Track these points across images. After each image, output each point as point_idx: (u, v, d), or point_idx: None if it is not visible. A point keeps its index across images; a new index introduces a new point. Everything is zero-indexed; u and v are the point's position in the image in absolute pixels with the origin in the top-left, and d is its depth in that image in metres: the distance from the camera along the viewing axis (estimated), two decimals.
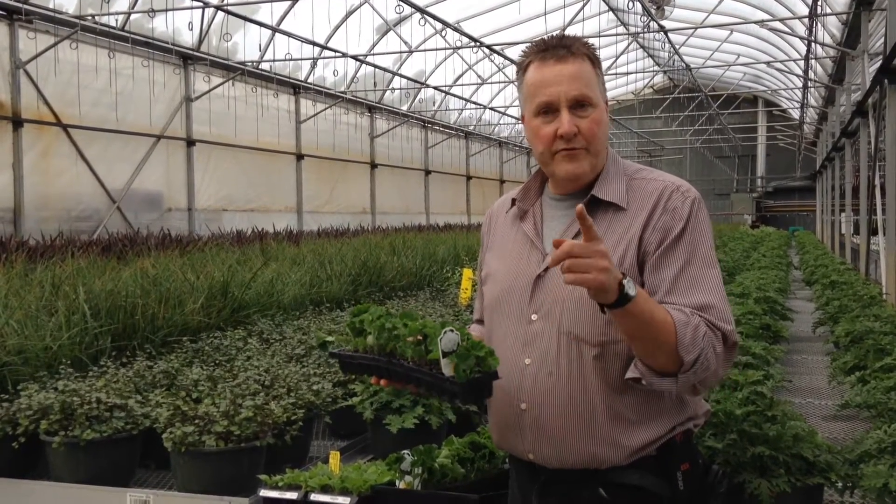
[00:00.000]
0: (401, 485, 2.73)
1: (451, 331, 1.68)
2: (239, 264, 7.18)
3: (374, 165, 21.19)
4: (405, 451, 2.73)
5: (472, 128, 26.66)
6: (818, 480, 2.62)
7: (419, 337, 1.78)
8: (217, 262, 7.21)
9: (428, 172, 24.39)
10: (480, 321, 2.13)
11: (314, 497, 2.70)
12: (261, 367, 4.02)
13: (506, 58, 15.44)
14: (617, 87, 28.13)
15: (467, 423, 3.71)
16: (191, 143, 14.75)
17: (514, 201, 1.99)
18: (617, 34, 16.46)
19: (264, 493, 2.77)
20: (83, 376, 3.81)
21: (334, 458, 2.88)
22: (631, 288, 1.58)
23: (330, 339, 2.02)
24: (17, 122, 11.46)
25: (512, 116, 27.44)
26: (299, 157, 17.96)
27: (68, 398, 3.35)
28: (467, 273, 6.33)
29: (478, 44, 14.47)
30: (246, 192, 16.15)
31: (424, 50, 16.67)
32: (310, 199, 18.25)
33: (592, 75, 1.81)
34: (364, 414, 3.50)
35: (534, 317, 1.84)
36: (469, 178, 27.51)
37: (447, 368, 1.66)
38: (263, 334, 5.10)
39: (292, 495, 2.73)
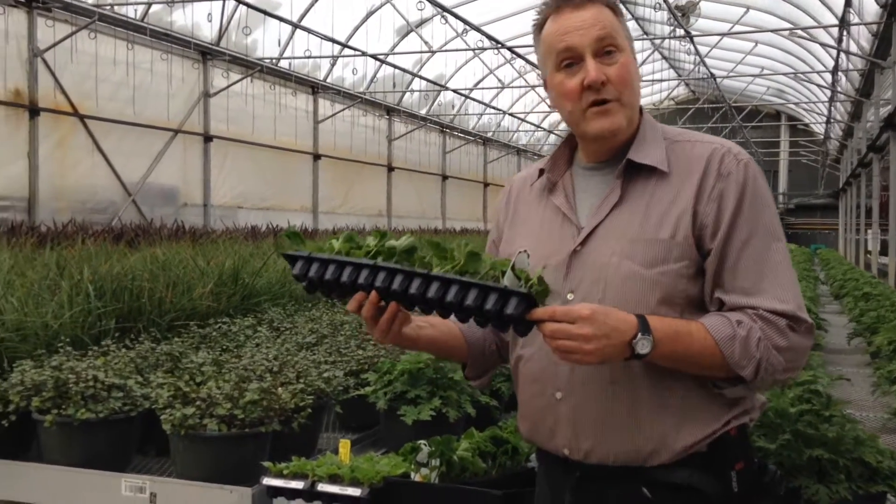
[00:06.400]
0: (416, 477, 2.51)
1: (527, 254, 1.48)
2: (252, 256, 7.01)
3: (391, 168, 21.05)
4: (422, 442, 2.51)
5: (490, 134, 26.50)
6: (881, 488, 2.37)
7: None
8: (230, 252, 7.04)
9: (445, 177, 24.24)
10: None
11: (322, 487, 2.48)
12: (270, 353, 3.81)
13: (527, 61, 15.25)
14: (642, 98, 27.90)
15: (487, 417, 3.49)
16: (208, 138, 14.64)
17: (541, 172, 1.81)
18: (642, 38, 16.22)
19: (268, 481, 2.55)
20: (83, 355, 3.61)
21: (344, 446, 2.66)
22: (644, 346, 1.48)
23: (301, 237, 1.63)
24: (34, 111, 11.35)
25: (531, 123, 27.25)
26: (316, 157, 17.84)
27: (63, 375, 3.15)
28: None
29: (499, 45, 14.29)
30: (262, 190, 16.03)
31: (446, 50, 16.51)
32: (325, 200, 18.11)
33: (615, 20, 1.66)
34: (377, 404, 3.28)
35: (570, 296, 1.64)
36: (486, 184, 27.37)
37: (509, 280, 1.44)
38: (274, 323, 4.91)
39: (298, 485, 2.51)
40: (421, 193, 22.70)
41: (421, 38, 15.86)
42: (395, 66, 18.31)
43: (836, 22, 14.71)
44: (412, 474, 2.53)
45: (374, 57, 16.31)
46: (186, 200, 14.32)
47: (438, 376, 3.32)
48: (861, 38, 14.62)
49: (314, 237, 13.01)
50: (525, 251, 1.50)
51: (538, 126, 27.96)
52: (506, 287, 1.44)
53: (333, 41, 15.44)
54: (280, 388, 3.12)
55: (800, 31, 14.95)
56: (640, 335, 1.47)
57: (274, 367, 3.46)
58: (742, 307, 1.55)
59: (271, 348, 4.01)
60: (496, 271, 1.48)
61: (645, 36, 18.76)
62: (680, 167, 1.64)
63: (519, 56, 15.05)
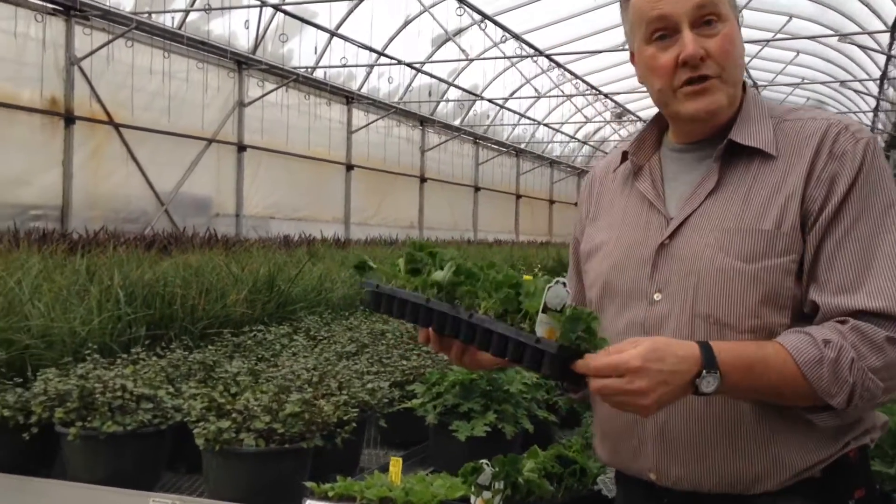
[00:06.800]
0: (477, 501, 2.23)
1: (563, 284, 1.24)
2: (286, 264, 6.81)
3: (423, 179, 20.88)
4: (484, 462, 2.23)
5: (523, 145, 26.24)
6: None
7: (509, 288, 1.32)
8: (263, 259, 6.85)
9: (477, 189, 24.02)
10: None
11: None
12: (308, 363, 3.56)
13: (566, 70, 14.97)
14: None
15: (545, 433, 3.20)
16: (241, 148, 14.55)
17: (625, 155, 1.57)
18: None
19: (311, 503, 2.29)
20: (111, 364, 3.38)
21: (395, 465, 2.39)
22: (709, 384, 1.25)
23: (371, 263, 1.55)
24: (70, 119, 11.32)
25: (566, 134, 26.92)
26: (349, 167, 17.71)
27: (90, 384, 2.92)
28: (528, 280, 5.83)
29: (538, 53, 14.05)
30: (294, 200, 15.91)
31: (483, 58, 16.28)
32: (357, 211, 17.96)
33: None
34: (427, 418, 3.00)
35: (657, 296, 1.43)
36: (519, 196, 27.10)
37: (541, 327, 1.23)
38: (311, 331, 4.67)
39: None
40: (453, 205, 22.49)
41: (458, 46, 15.67)
42: (430, 75, 18.14)
43: (884, 29, 14.26)
44: (472, 498, 2.25)
45: (409, 66, 16.14)
46: (219, 210, 14.22)
47: (492, 388, 3.04)
48: None
49: (347, 246, 12.82)
50: (561, 281, 1.25)
51: (572, 137, 27.64)
52: (538, 342, 1.23)
53: (370, 49, 15.30)
54: (321, 400, 2.86)
55: (848, 38, 14.49)
56: (703, 373, 1.24)
57: (313, 378, 3.20)
58: (836, 312, 1.31)
59: (309, 357, 3.77)
60: (534, 311, 1.25)
61: None
62: (788, 148, 1.40)
63: (559, 65, 14.77)
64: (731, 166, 1.42)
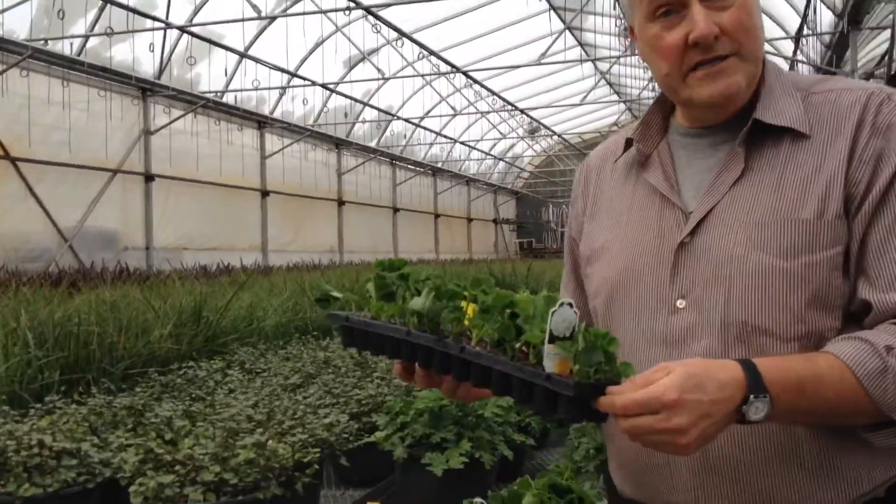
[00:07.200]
0: None
1: (570, 304, 1.02)
2: (210, 295, 6.38)
3: (341, 202, 20.56)
4: (478, 500, 1.95)
5: (440, 164, 26.22)
6: None
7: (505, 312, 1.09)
8: (184, 291, 6.40)
9: (396, 210, 23.85)
10: None
11: None
12: (249, 399, 3.21)
13: (482, 86, 14.95)
14: (588, 124, 27.95)
15: (522, 458, 2.94)
16: (149, 178, 13.93)
17: (629, 143, 1.36)
18: (585, 60, 16.05)
19: None
20: (23, 415, 2.96)
21: None
22: (758, 411, 1.05)
23: (336, 294, 1.25)
24: None
25: (482, 151, 27.03)
26: (264, 193, 17.23)
27: (1, 442, 2.50)
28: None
29: (455, 69, 13.98)
30: (208, 230, 15.33)
31: (400, 77, 16.10)
32: (275, 238, 17.48)
33: None
34: (395, 452, 2.69)
35: (680, 303, 1.24)
36: (437, 216, 27.08)
37: (550, 361, 1.01)
38: (245, 364, 4.30)
39: None
40: (373, 227, 22.26)
41: (374, 65, 15.45)
42: (345, 96, 17.85)
43: (785, 36, 14.81)
44: None
45: (324, 87, 15.81)
46: (127, 244, 13.57)
47: (464, 414, 2.76)
48: (817, 53, 14.71)
49: (269, 273, 12.33)
50: (566, 302, 1.04)
51: (487, 153, 27.79)
52: (548, 379, 1.01)
53: (283, 70, 14.91)
54: (272, 441, 2.53)
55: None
56: (751, 398, 1.05)
57: (261, 416, 2.86)
58: (892, 312, 1.13)
59: (249, 393, 3.41)
60: (538, 342, 1.04)
61: (587, 58, 18.66)
62: (822, 125, 1.22)
63: (475, 81, 14.75)
64: (756, 150, 1.24)
